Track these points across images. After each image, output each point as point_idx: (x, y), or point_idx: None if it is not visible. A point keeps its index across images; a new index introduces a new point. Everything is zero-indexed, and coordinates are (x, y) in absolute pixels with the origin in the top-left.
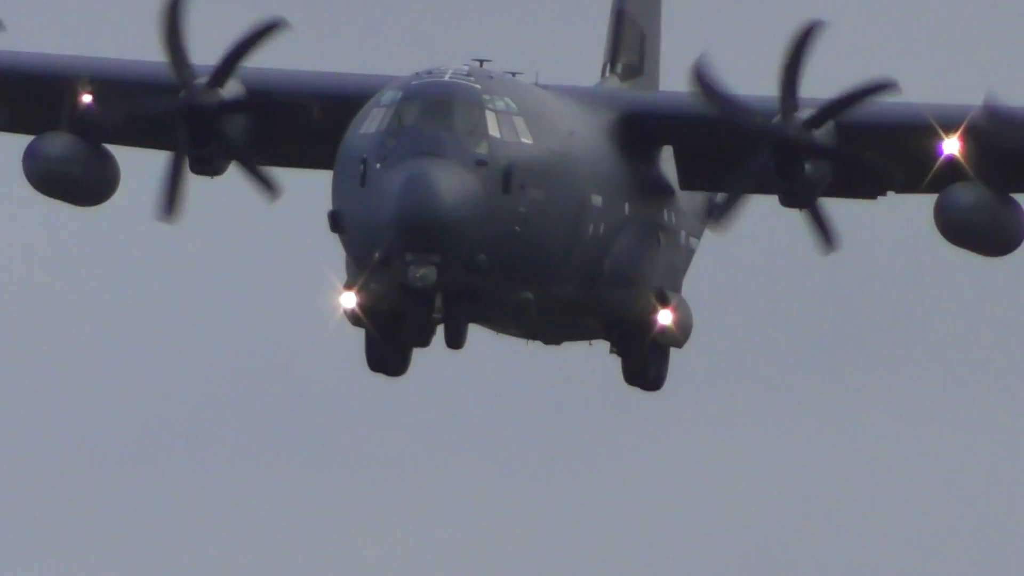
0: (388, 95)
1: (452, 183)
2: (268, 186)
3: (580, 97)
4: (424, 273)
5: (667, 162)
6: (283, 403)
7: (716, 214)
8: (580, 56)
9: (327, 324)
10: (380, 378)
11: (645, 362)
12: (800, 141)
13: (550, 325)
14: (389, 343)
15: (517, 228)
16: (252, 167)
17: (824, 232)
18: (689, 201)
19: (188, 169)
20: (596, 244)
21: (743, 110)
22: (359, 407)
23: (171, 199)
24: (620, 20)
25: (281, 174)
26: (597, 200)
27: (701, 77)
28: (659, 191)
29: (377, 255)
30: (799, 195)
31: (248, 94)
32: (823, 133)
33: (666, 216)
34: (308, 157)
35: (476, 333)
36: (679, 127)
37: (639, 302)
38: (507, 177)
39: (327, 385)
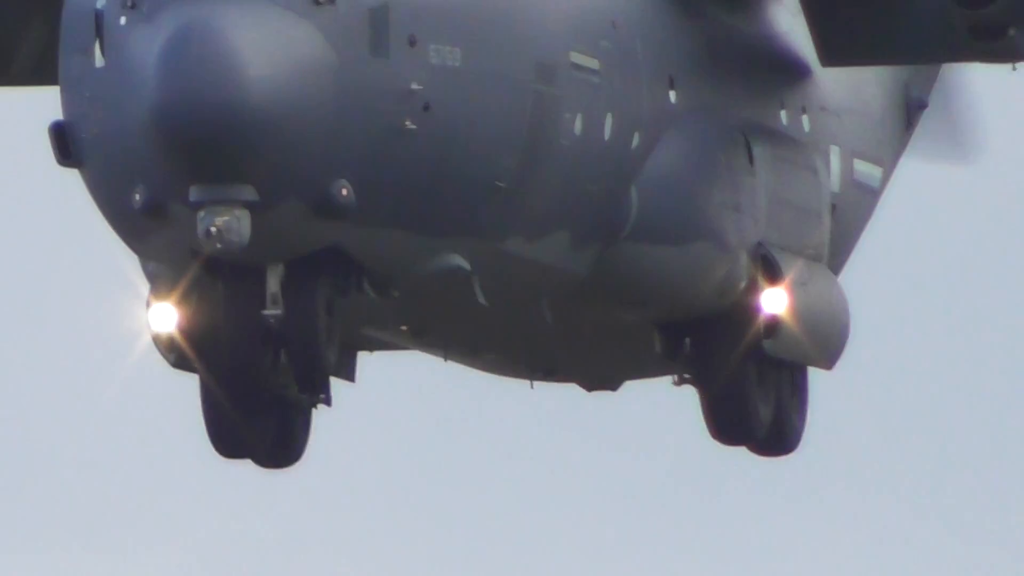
0: None
1: (269, 41)
2: None
3: None
4: (225, 224)
5: (791, 13)
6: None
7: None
8: None
9: (123, 375)
10: (244, 468)
11: (744, 392)
12: None
13: (544, 336)
14: (246, 399)
15: (408, 124)
16: None
17: None
18: (850, 91)
19: None
20: (601, 156)
21: None
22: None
23: None
24: None
25: None
26: (587, 64)
27: None
28: (770, 65)
29: (138, 197)
30: None
31: None
32: None
33: (784, 116)
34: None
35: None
36: None
37: (713, 273)
38: (380, 24)
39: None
